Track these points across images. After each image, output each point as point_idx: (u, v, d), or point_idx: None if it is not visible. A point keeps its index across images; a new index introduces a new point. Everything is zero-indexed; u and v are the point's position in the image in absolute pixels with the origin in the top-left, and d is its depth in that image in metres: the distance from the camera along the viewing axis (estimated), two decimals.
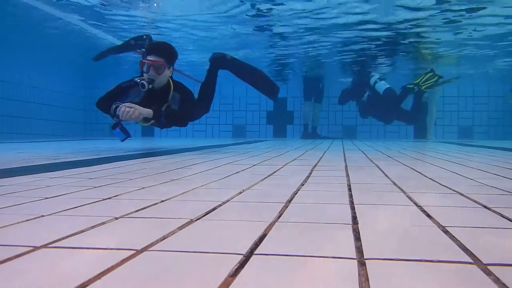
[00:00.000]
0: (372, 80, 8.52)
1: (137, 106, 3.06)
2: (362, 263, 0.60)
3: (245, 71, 4.44)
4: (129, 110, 3.00)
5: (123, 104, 3.03)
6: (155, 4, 5.45)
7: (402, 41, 6.83)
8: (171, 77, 3.46)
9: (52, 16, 5.65)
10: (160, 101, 3.34)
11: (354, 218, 0.91)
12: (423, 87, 8.09)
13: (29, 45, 6.94)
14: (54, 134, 8.28)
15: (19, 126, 7.52)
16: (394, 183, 1.50)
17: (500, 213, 0.97)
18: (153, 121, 3.29)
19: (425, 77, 8.07)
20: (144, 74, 3.27)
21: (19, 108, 7.61)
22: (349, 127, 10.09)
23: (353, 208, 1.02)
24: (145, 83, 3.19)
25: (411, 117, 8.47)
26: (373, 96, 8.47)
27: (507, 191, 1.32)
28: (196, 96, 4.11)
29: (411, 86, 8.17)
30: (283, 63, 8.59)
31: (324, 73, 9.37)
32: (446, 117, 9.84)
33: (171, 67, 3.39)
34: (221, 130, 10.50)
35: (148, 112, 3.13)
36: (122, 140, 3.29)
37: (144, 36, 3.88)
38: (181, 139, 8.53)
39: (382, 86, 8.29)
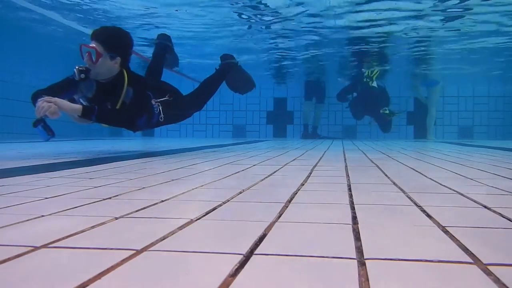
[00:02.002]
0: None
1: (60, 101, 2.61)
2: (362, 263, 0.60)
3: (239, 81, 4.18)
4: (44, 105, 2.54)
5: (42, 98, 2.59)
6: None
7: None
8: (127, 69, 2.98)
9: (44, 17, 5.64)
10: (112, 96, 2.90)
11: (354, 218, 0.91)
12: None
13: (27, 45, 6.94)
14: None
15: (19, 126, 7.52)
16: (394, 183, 1.50)
17: (500, 213, 0.97)
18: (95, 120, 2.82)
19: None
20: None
21: (19, 108, 7.61)
22: (349, 127, 10.10)
23: (353, 208, 1.02)
24: (76, 71, 2.77)
25: (382, 122, 8.81)
26: (362, 91, 8.75)
27: (507, 191, 1.32)
28: (186, 92, 3.73)
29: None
30: (283, 63, 8.59)
31: (326, 73, 9.36)
32: (446, 117, 9.84)
33: (117, 57, 2.86)
34: (221, 130, 10.50)
35: (75, 108, 2.68)
36: (46, 140, 2.77)
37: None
38: (181, 139, 8.54)
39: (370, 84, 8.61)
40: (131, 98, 2.92)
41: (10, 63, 7.12)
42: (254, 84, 4.29)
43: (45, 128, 2.70)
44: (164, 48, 4.00)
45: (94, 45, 2.80)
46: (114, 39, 2.91)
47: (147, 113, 3.16)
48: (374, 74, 8.45)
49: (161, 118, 3.25)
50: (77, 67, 2.79)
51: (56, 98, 2.62)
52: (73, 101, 2.86)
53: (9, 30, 6.25)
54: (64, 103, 2.65)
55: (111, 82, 2.90)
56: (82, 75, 2.77)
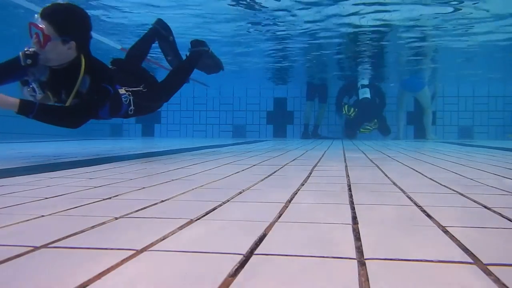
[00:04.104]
0: (359, 84, 8.96)
1: None
2: (362, 263, 0.60)
3: (208, 65, 3.79)
4: None
5: None
6: None
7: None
8: (87, 55, 2.51)
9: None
10: (66, 84, 2.45)
11: (354, 218, 0.91)
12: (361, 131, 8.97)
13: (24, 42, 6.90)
14: (54, 134, 8.27)
15: (19, 126, 7.51)
16: (394, 183, 1.50)
17: (500, 213, 0.97)
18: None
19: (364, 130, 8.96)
20: None
21: None
22: None
23: (353, 208, 1.02)
24: (21, 56, 2.35)
25: (381, 127, 8.98)
26: (356, 99, 8.94)
27: (507, 191, 1.32)
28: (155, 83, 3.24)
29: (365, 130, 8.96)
30: (284, 62, 8.54)
31: (327, 72, 9.34)
32: (446, 117, 9.84)
33: (70, 41, 2.39)
34: (221, 130, 10.49)
35: (10, 103, 2.28)
36: None
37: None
38: (181, 139, 8.54)
39: (362, 93, 8.77)
40: (88, 88, 2.47)
41: None
42: (223, 68, 3.95)
43: None
44: (155, 34, 3.51)
45: (42, 26, 2.32)
46: (67, 19, 2.41)
47: (112, 103, 2.72)
48: (352, 112, 8.74)
49: (131, 111, 2.86)
50: (23, 51, 2.37)
51: None
52: (26, 83, 2.52)
53: None
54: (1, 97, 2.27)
55: (66, 69, 2.47)
56: (29, 61, 2.35)
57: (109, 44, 6.66)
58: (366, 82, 8.98)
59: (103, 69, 2.64)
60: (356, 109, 8.68)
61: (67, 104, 2.45)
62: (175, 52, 3.68)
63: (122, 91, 2.79)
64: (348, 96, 9.25)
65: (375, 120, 8.82)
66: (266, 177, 1.67)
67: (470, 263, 0.61)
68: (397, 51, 7.28)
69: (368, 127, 8.82)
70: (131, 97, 2.82)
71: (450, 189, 1.37)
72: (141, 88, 2.89)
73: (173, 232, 0.78)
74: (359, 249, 0.67)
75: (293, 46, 7.02)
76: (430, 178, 1.67)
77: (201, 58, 3.62)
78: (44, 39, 2.32)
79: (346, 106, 8.74)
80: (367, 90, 8.76)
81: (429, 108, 8.92)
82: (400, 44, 6.76)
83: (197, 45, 3.63)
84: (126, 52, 3.35)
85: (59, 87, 2.49)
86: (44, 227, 0.83)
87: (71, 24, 2.43)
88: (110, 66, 2.93)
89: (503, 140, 8.73)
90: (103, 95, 2.57)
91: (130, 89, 2.83)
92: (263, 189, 1.35)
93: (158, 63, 7.17)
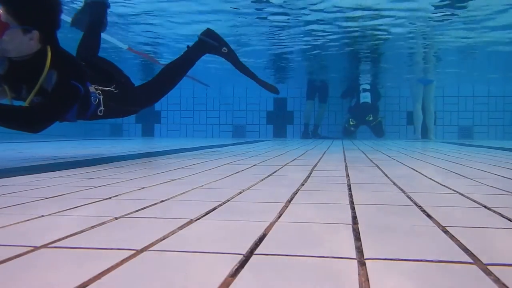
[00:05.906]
0: (360, 87, 9.24)
1: None
2: (362, 263, 0.60)
3: (241, 66, 3.33)
4: None
5: None
6: None
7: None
8: (54, 47, 2.18)
9: None
10: (28, 79, 2.15)
11: (354, 218, 0.91)
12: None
13: None
14: (53, 134, 8.27)
15: None
16: (394, 183, 1.50)
17: (500, 213, 0.97)
18: None
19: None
20: None
21: None
22: None
23: (353, 208, 1.02)
24: None
25: (375, 128, 9.23)
26: (357, 102, 9.23)
27: (507, 191, 1.32)
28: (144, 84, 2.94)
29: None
30: (284, 58, 8.50)
31: (327, 72, 9.34)
32: (446, 117, 9.85)
33: (33, 31, 2.07)
34: (221, 130, 10.51)
35: None
36: None
37: None
38: (181, 139, 8.54)
39: (363, 97, 9.05)
40: (54, 86, 2.13)
41: None
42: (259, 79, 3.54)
43: None
44: (100, 14, 3.04)
45: (0, 11, 2.01)
46: (29, 5, 2.08)
47: (80, 103, 2.35)
48: (354, 124, 9.12)
49: (101, 112, 2.52)
50: None
51: None
52: None
53: None
54: None
55: (28, 61, 2.15)
56: None
57: (111, 42, 6.44)
58: (367, 86, 9.14)
59: (72, 64, 2.29)
60: (356, 113, 8.92)
61: (26, 102, 2.13)
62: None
63: (91, 89, 2.47)
64: (350, 98, 9.50)
65: (378, 118, 9.03)
66: (266, 177, 1.67)
67: (470, 263, 0.61)
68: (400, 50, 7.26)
69: (374, 118, 9.07)
70: (101, 97, 2.51)
71: (450, 189, 1.37)
72: (112, 89, 2.60)
73: (173, 232, 0.78)
74: (359, 249, 0.67)
75: (294, 48, 7.00)
76: (430, 178, 1.67)
77: (205, 52, 3.16)
78: (1, 27, 2.00)
79: (350, 120, 9.11)
80: (368, 94, 9.02)
81: (432, 106, 8.91)
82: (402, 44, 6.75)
83: (209, 35, 3.14)
84: (77, 46, 2.87)
85: (19, 82, 2.19)
86: (44, 227, 0.83)
87: (34, 10, 2.10)
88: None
89: (503, 140, 8.73)
90: (71, 94, 2.21)
91: (100, 87, 2.53)
92: (263, 189, 1.35)
93: (155, 60, 7.10)
